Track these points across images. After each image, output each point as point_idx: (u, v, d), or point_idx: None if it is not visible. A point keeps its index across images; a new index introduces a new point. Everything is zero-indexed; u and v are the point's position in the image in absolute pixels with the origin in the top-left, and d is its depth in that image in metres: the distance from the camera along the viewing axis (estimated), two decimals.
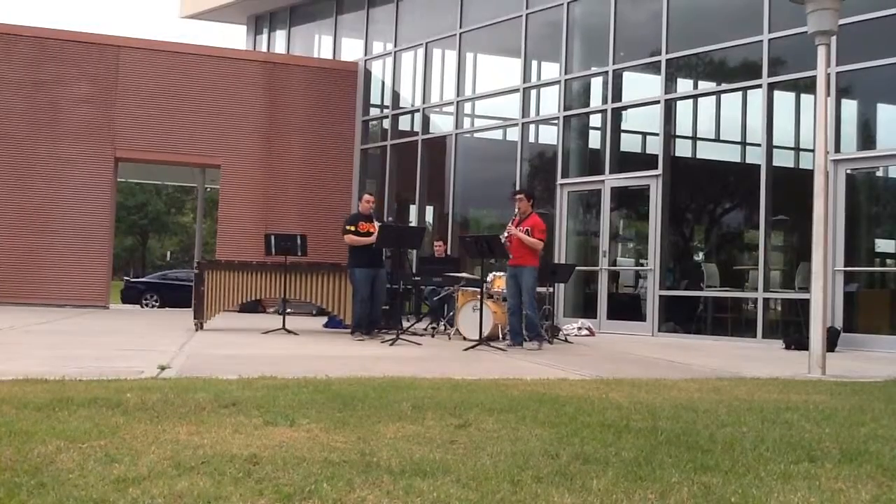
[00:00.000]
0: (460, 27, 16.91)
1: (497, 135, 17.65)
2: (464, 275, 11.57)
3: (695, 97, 14.36)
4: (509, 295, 9.77)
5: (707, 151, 14.93)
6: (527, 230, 9.51)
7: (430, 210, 18.45)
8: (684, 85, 14.22)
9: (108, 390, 4.59)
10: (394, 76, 18.82)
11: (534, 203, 9.98)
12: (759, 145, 12.32)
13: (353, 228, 10.42)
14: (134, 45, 18.08)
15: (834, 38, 8.45)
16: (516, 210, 9.82)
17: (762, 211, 12.03)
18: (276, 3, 21.45)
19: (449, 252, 14.41)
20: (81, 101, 17.38)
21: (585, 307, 14.37)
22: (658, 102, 13.61)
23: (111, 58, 17.65)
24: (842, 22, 8.13)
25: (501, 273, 11.03)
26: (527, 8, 15.64)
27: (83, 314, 14.55)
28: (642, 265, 14.04)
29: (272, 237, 11.40)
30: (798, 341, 10.46)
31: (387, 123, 19.17)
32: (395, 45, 18.62)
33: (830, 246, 9.79)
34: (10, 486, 2.60)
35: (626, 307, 14.19)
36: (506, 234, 9.63)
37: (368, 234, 10.35)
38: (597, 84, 15.04)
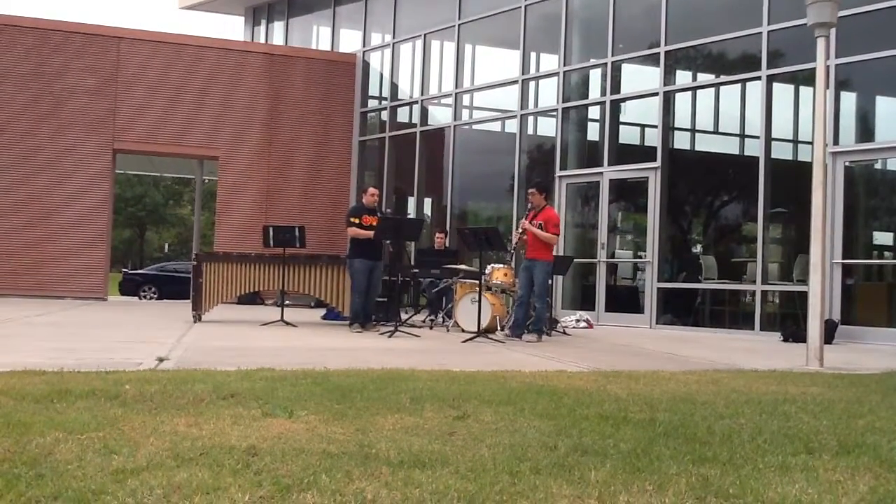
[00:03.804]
0: (459, 18, 16.88)
1: (495, 127, 17.63)
2: (462, 267, 11.57)
3: (693, 89, 14.34)
4: (520, 286, 9.81)
5: (706, 144, 14.92)
6: (540, 224, 9.54)
7: (428, 202, 18.44)
8: (683, 77, 14.21)
9: (107, 382, 4.59)
10: (392, 68, 18.78)
11: (547, 196, 10.02)
12: (757, 137, 12.32)
13: (357, 221, 10.43)
14: (135, 36, 18.04)
15: (833, 31, 8.43)
16: (529, 204, 9.86)
17: (760, 203, 12.04)
18: None
19: (448, 244, 14.42)
20: (83, 92, 17.34)
21: (584, 299, 14.39)
22: (657, 94, 13.60)
23: (112, 49, 17.61)
24: (841, 14, 8.11)
25: (500, 265, 11.05)
26: None
27: (81, 306, 14.54)
28: (641, 257, 14.05)
29: (270, 229, 11.39)
30: (795, 334, 10.48)
31: (385, 115, 19.14)
32: (394, 37, 18.57)
33: (828, 238, 9.80)
34: (9, 478, 2.60)
35: (625, 299, 14.20)
36: (520, 230, 9.69)
37: (372, 227, 10.37)
38: (595, 76, 15.02)
